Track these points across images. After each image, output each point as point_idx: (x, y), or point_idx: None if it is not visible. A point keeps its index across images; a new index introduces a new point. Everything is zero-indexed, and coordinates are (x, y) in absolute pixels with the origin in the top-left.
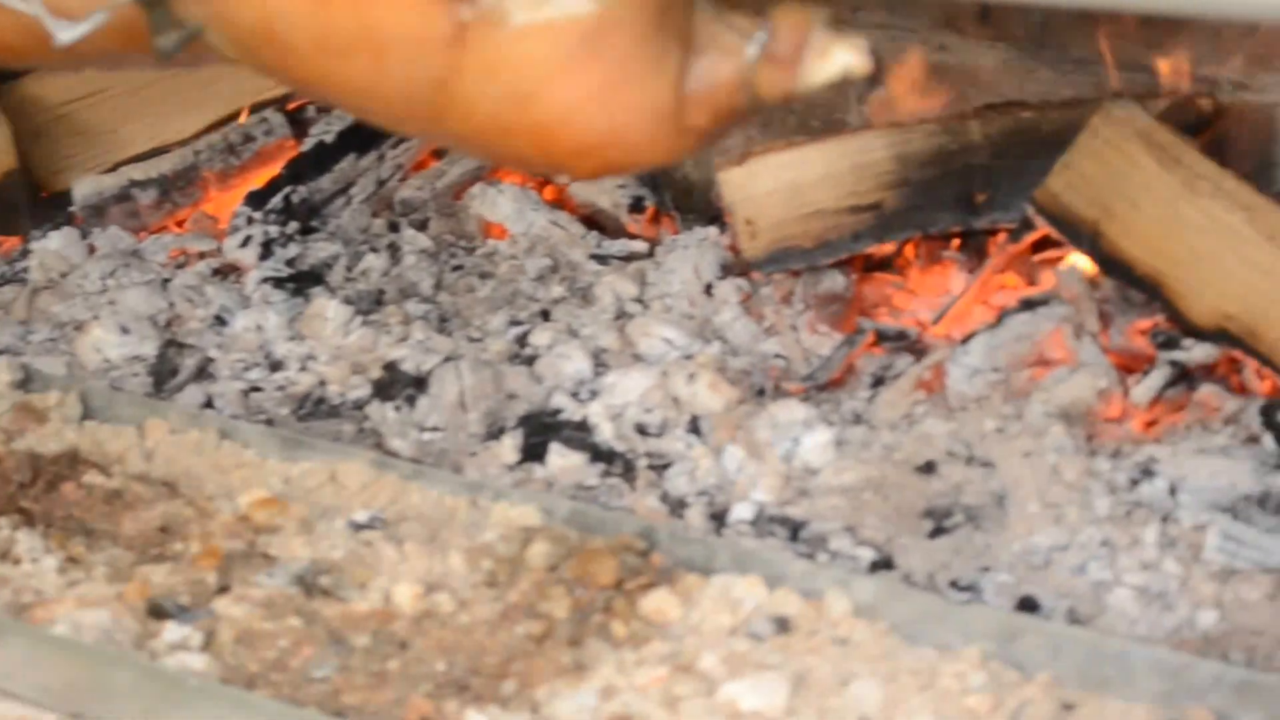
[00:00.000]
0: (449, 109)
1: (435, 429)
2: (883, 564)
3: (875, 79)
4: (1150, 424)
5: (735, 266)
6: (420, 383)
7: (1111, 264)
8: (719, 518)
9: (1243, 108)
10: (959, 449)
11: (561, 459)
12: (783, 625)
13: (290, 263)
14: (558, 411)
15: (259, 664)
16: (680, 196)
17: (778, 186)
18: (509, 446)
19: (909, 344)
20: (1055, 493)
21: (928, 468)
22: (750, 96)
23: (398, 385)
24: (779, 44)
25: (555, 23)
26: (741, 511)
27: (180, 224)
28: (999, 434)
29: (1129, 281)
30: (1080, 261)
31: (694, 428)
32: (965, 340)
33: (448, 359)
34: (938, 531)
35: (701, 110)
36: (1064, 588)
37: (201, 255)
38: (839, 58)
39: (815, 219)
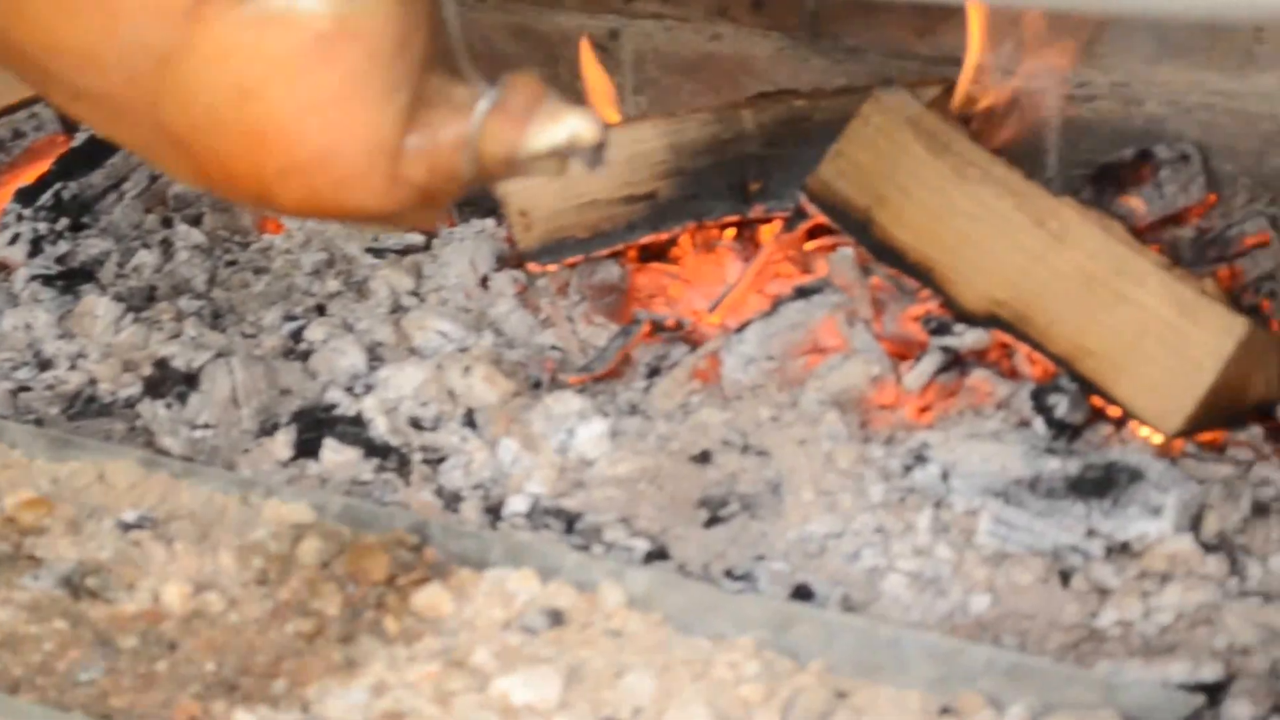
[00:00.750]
0: (170, 93)
1: (207, 426)
2: (658, 555)
3: (601, 150)
4: (923, 410)
5: (511, 259)
6: (192, 380)
7: (884, 251)
8: (494, 511)
9: (1013, 94)
10: (734, 438)
11: (335, 454)
12: (556, 618)
13: (60, 260)
14: (332, 407)
15: (24, 668)
16: None
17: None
18: (282, 443)
19: (684, 334)
20: (829, 480)
21: (703, 457)
22: (472, 158)
23: (169, 382)
24: (512, 99)
25: (293, 15)
26: (516, 504)
27: None
28: (774, 422)
29: (901, 268)
30: (852, 249)
31: (469, 421)
32: (740, 329)
33: (219, 355)
34: (713, 521)
35: (420, 161)
36: (838, 575)
37: None
38: (570, 121)
39: (590, 209)
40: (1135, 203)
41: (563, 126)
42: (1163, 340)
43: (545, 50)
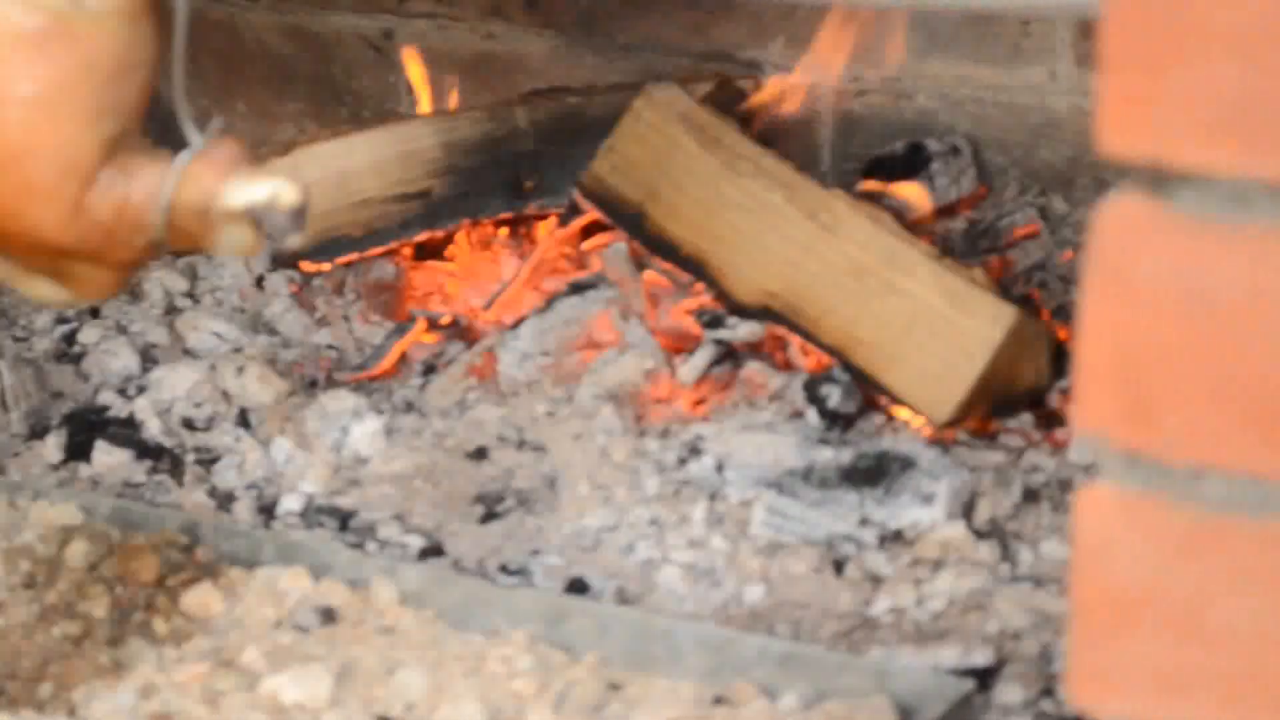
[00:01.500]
0: None
1: None
2: (432, 551)
3: (300, 218)
4: (698, 403)
5: (285, 258)
6: None
7: (658, 245)
8: (268, 510)
9: (786, 89)
10: (510, 434)
11: (107, 456)
12: (328, 616)
13: None
14: (104, 409)
15: None
16: None
17: (324, 176)
18: (53, 446)
19: (460, 331)
20: (605, 474)
21: (479, 453)
22: (164, 208)
23: None
24: (217, 150)
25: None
26: (290, 503)
27: None
28: (550, 418)
29: (675, 262)
30: (626, 244)
31: (243, 421)
32: (515, 326)
33: None
34: (489, 517)
35: (110, 199)
36: (613, 568)
37: None
38: (273, 182)
39: (363, 208)
40: (907, 194)
41: (265, 185)
42: (933, 330)
43: (318, 50)
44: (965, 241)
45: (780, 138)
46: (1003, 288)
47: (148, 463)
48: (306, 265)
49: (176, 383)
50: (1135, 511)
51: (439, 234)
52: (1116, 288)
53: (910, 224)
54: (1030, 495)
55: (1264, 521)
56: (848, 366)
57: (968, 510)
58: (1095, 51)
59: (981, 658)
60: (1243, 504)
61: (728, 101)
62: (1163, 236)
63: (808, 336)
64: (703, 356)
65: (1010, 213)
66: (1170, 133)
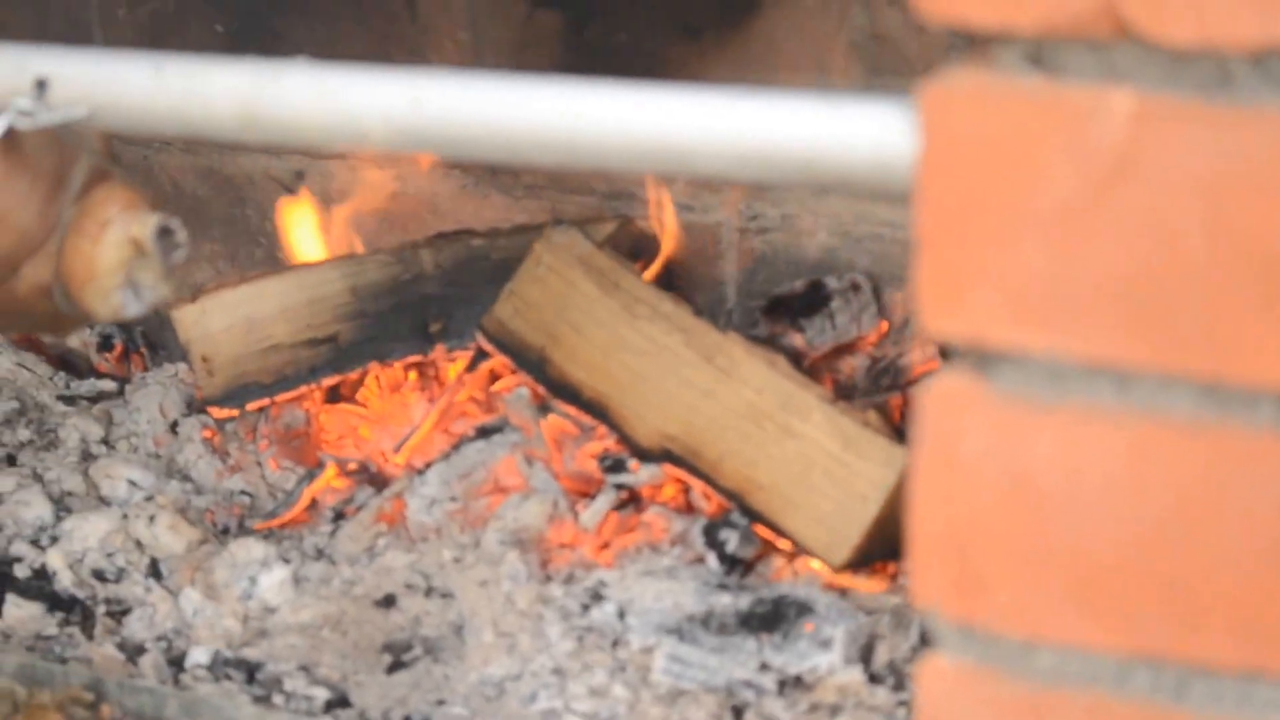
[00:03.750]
0: None
1: None
2: (338, 703)
3: (176, 234)
4: (602, 548)
5: (199, 404)
6: None
7: (561, 388)
8: (177, 663)
9: (689, 228)
10: (419, 581)
11: (18, 610)
12: None
13: None
14: (16, 560)
15: None
16: (153, 332)
17: (233, 322)
18: None
19: (370, 476)
20: (510, 621)
21: (388, 601)
22: (60, 265)
23: None
24: (94, 201)
25: None
26: (198, 656)
27: None
28: (457, 564)
29: (578, 405)
30: (529, 388)
31: (154, 571)
32: (423, 470)
33: None
34: (396, 666)
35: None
36: (515, 718)
37: None
38: (156, 216)
39: (273, 354)
40: (803, 336)
41: (148, 220)
42: (829, 473)
43: (232, 193)
44: (867, 379)
45: (683, 276)
46: (898, 430)
47: (59, 615)
48: (218, 411)
49: (89, 532)
50: (972, 683)
51: (348, 378)
52: (944, 463)
53: (810, 363)
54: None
55: (1092, 693)
56: (746, 510)
57: (866, 654)
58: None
59: None
60: (1071, 676)
61: (630, 243)
62: (985, 413)
63: (707, 480)
64: (604, 501)
65: (910, 350)
66: (986, 312)
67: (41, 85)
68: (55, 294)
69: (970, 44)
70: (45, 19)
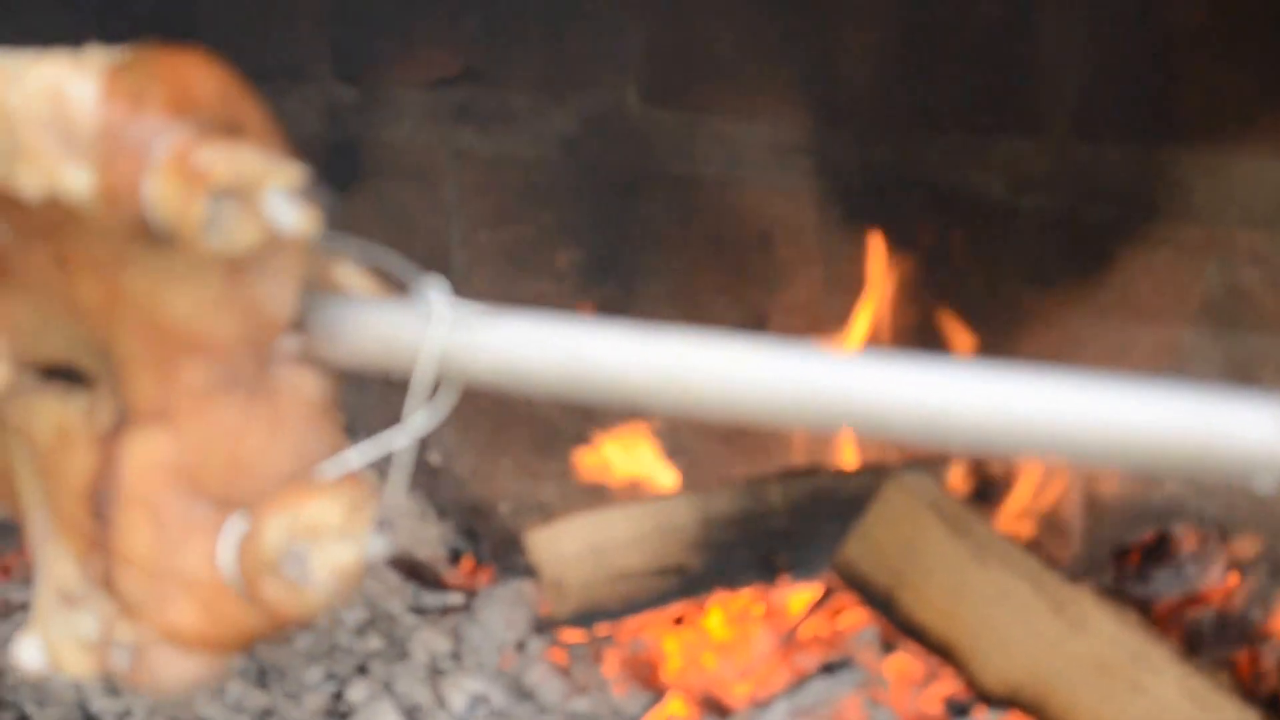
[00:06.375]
0: None
1: None
2: None
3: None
4: None
5: (545, 624)
6: None
7: (907, 629)
8: None
9: (1036, 474)
10: None
11: None
12: None
13: None
14: None
15: None
16: (498, 546)
17: (585, 548)
18: None
19: (713, 705)
20: None
21: None
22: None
23: None
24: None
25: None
26: None
27: (5, 571)
28: None
29: (924, 646)
30: (877, 627)
31: None
32: (766, 703)
33: (263, 716)
34: None
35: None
36: None
37: (24, 606)
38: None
39: (622, 581)
40: (1151, 586)
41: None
42: None
43: (581, 413)
44: (1214, 632)
45: (1029, 520)
46: (1248, 689)
47: None
48: (568, 634)
49: None
50: None
51: (693, 607)
52: None
53: (1158, 614)
54: None
55: None
56: None
57: None
58: None
59: None
60: None
61: (979, 486)
62: None
63: None
64: None
65: (1260, 604)
66: None
67: None
68: None
69: None
70: (410, 237)
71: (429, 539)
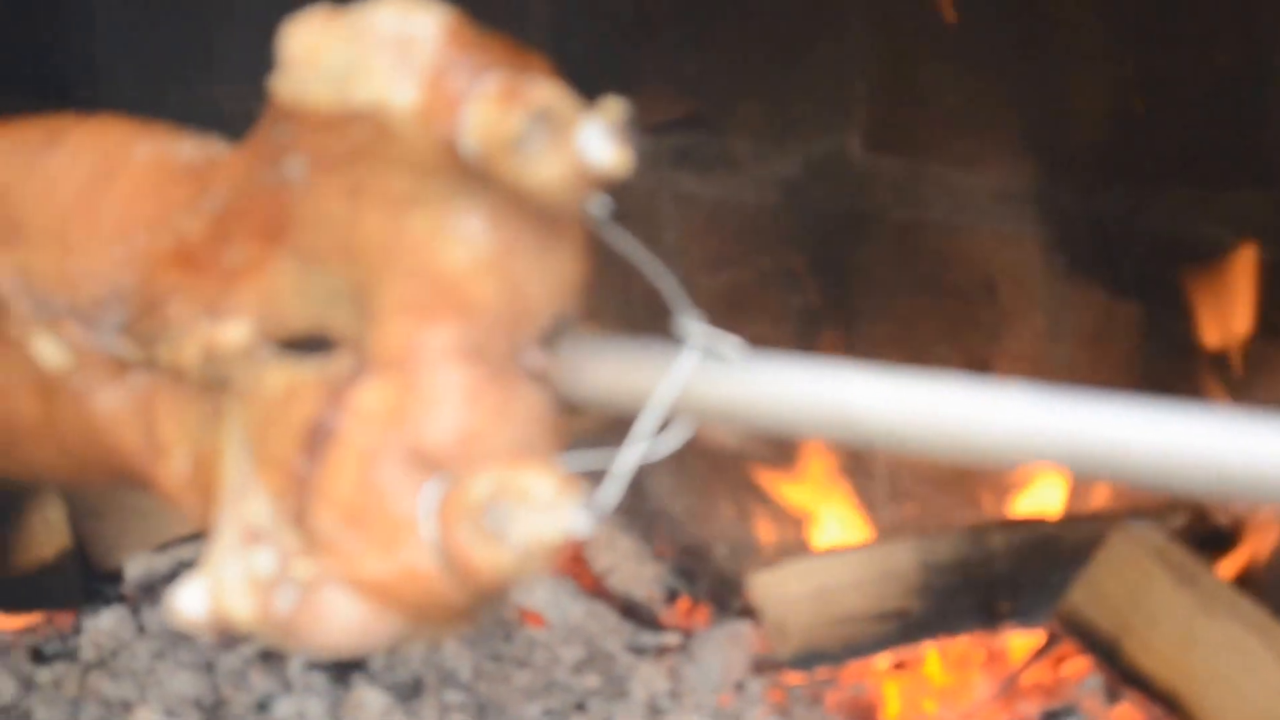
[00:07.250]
0: None
1: None
2: None
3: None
4: None
5: (765, 665)
6: None
7: (1132, 678)
8: None
9: (1267, 524)
10: None
11: None
12: None
13: None
14: None
15: None
16: (714, 586)
17: (807, 592)
18: None
19: None
20: None
21: None
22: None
23: None
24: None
25: None
26: None
27: None
28: None
29: (1149, 696)
30: (1101, 675)
31: None
32: None
33: None
34: None
35: None
36: None
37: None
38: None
39: (843, 624)
40: None
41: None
42: None
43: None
44: None
45: (1255, 570)
46: None
47: None
48: (786, 675)
49: None
50: None
51: (913, 651)
52: None
53: None
54: None
55: None
56: None
57: None
58: None
59: None
60: None
61: (1203, 537)
62: None
63: None
64: None
65: None
66: None
67: None
68: None
69: None
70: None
71: (645, 579)
